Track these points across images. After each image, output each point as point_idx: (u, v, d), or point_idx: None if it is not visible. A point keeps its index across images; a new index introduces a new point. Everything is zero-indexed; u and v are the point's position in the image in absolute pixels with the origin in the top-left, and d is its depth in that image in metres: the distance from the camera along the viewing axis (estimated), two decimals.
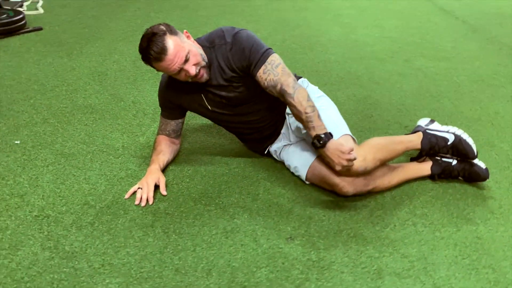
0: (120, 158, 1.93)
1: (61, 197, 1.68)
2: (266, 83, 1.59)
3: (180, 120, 1.87)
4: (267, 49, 1.61)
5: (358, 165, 1.59)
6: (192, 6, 4.21)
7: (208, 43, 1.67)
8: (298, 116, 1.57)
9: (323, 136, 1.52)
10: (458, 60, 3.21)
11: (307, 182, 1.78)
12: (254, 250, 1.47)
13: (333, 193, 1.73)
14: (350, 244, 1.51)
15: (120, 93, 2.53)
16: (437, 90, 2.71)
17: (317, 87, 1.90)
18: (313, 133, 1.54)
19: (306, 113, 1.54)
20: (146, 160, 1.91)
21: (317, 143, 1.54)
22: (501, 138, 2.18)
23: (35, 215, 1.59)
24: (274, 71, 1.58)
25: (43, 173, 1.82)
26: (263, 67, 1.58)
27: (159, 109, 2.32)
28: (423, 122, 1.97)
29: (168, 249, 1.46)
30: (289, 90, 1.57)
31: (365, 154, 1.62)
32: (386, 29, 3.87)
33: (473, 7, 4.64)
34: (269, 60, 1.59)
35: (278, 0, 4.70)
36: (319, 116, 1.55)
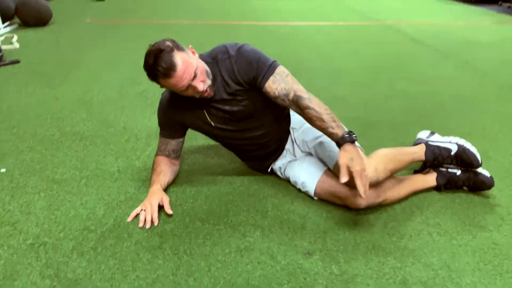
0: (117, 182, 1.83)
1: (57, 223, 1.56)
2: (277, 93, 1.57)
3: (180, 140, 1.81)
4: (273, 61, 1.60)
5: (370, 175, 1.56)
6: None
7: (211, 59, 1.64)
8: (318, 118, 1.54)
9: (351, 132, 1.51)
10: (437, 82, 3.31)
11: (315, 198, 1.73)
12: (272, 267, 1.39)
13: (343, 207, 1.68)
14: (370, 256, 1.46)
15: (109, 119, 2.44)
16: (423, 109, 2.77)
17: None
18: (340, 131, 1.52)
19: (328, 113, 1.54)
20: (145, 183, 1.82)
21: (348, 138, 1.49)
22: (494, 150, 2.22)
23: (30, 243, 1.46)
24: (284, 80, 1.57)
25: (34, 200, 1.69)
26: (272, 77, 1.57)
27: (152, 134, 2.27)
28: (423, 134, 1.99)
29: (181, 271, 1.36)
30: (304, 95, 1.56)
31: (376, 165, 1.60)
32: (364, 56, 3.98)
33: (441, 37, 4.87)
34: (277, 71, 1.58)
35: (258, 34, 4.80)
36: (339, 123, 1.56)
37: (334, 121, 1.54)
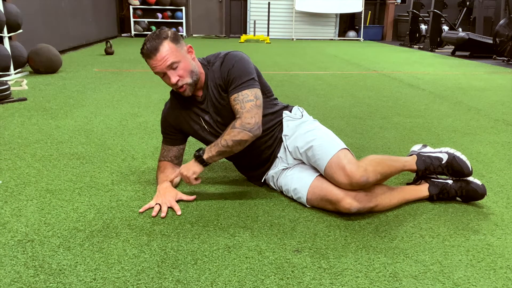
0: (110, 192, 1.85)
1: (47, 224, 1.56)
2: (232, 108, 1.69)
3: (181, 146, 1.90)
4: (249, 80, 1.68)
5: (360, 175, 1.58)
6: None
7: (206, 62, 1.75)
8: (220, 136, 1.67)
9: (203, 156, 1.67)
10: (432, 117, 3.38)
11: (308, 206, 1.73)
12: (260, 261, 1.37)
13: (335, 213, 1.68)
14: (361, 254, 1.43)
15: (108, 143, 2.50)
16: (418, 138, 2.80)
17: (311, 117, 1.95)
18: (205, 153, 1.67)
19: (221, 143, 1.64)
20: (138, 193, 1.83)
21: (197, 153, 1.69)
22: (488, 170, 2.23)
23: (18, 239, 1.45)
24: (242, 104, 1.66)
25: (26, 206, 1.70)
26: (235, 95, 1.67)
27: (148, 155, 2.31)
28: (416, 147, 2.01)
29: (166, 263, 1.34)
30: (237, 124, 1.64)
31: (365, 166, 1.62)
32: (360, 98, 4.09)
33: (436, 83, 5.02)
34: (243, 92, 1.66)
35: None
36: (217, 155, 1.67)
37: (215, 148, 1.65)
